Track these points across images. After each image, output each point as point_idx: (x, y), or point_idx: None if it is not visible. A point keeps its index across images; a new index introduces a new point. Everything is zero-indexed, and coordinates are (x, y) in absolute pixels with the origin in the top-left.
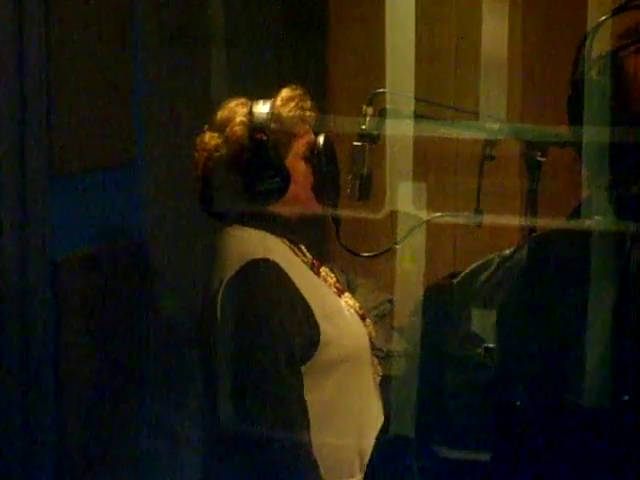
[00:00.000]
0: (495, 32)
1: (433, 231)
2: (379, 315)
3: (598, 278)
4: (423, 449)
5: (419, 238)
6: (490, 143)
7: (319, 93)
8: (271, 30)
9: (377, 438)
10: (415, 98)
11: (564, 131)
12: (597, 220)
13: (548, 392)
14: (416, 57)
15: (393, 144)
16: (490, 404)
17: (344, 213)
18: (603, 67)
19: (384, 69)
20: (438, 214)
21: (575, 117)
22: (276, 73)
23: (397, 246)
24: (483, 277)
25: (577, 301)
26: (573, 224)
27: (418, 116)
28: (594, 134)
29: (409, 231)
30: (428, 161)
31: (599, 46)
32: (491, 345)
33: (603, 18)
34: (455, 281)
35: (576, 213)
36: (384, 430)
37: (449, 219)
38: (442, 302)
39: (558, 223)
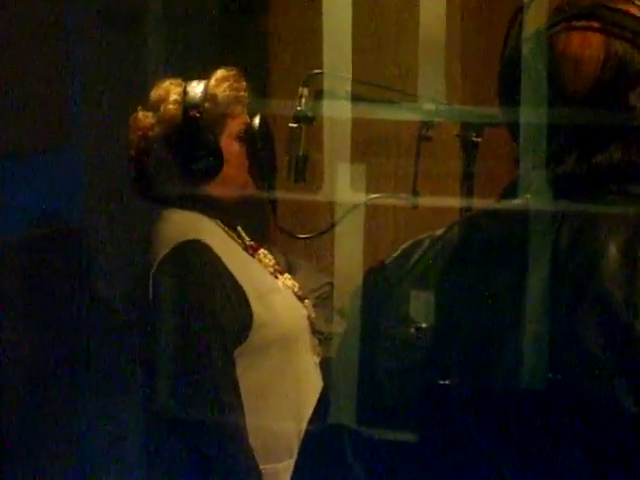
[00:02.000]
0: (433, 12)
1: (373, 213)
2: (320, 297)
3: (528, 257)
4: (356, 431)
5: (357, 220)
6: (426, 124)
7: (261, 75)
8: (210, 11)
9: (310, 420)
10: (352, 79)
11: (499, 111)
12: (528, 199)
13: (480, 372)
14: (354, 38)
15: (330, 126)
16: (422, 385)
17: (282, 195)
18: (534, 45)
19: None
20: (375, 195)
21: (505, 96)
22: (216, 55)
23: (335, 228)
24: (415, 257)
25: (508, 281)
26: (505, 204)
27: (355, 97)
28: (527, 114)
29: (345, 213)
30: (367, 143)
31: (534, 22)
32: (423, 325)
33: None
34: (387, 262)
35: (506, 192)
36: (317, 412)
37: (386, 201)
38: (376, 283)
39: (494, 203)
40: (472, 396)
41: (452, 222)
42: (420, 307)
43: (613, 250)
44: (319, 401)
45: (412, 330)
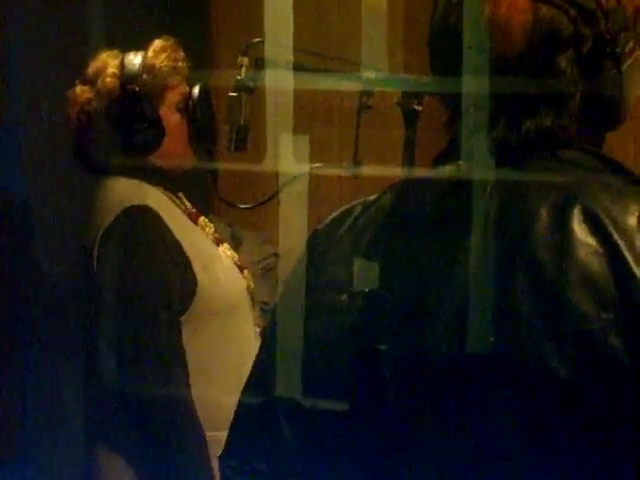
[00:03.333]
0: None
1: (317, 183)
2: (265, 268)
3: (460, 223)
4: (289, 398)
5: (301, 190)
6: (366, 93)
7: (203, 45)
8: None
9: (243, 390)
10: (293, 48)
11: (441, 80)
12: (460, 165)
13: (412, 339)
14: (295, 6)
15: (272, 95)
16: (355, 352)
17: (225, 166)
18: (465, 10)
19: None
20: (316, 165)
21: (434, 63)
22: (156, 25)
23: (278, 197)
24: (347, 224)
25: (440, 246)
26: (438, 171)
27: (296, 67)
28: (457, 81)
29: (286, 183)
30: (310, 112)
31: None
32: (356, 291)
33: None
34: (318, 229)
35: (438, 159)
36: (249, 381)
37: (327, 170)
38: (308, 251)
39: (434, 171)
40: (404, 363)
41: (384, 189)
42: (353, 273)
43: (543, 215)
44: (252, 369)
45: (344, 297)
